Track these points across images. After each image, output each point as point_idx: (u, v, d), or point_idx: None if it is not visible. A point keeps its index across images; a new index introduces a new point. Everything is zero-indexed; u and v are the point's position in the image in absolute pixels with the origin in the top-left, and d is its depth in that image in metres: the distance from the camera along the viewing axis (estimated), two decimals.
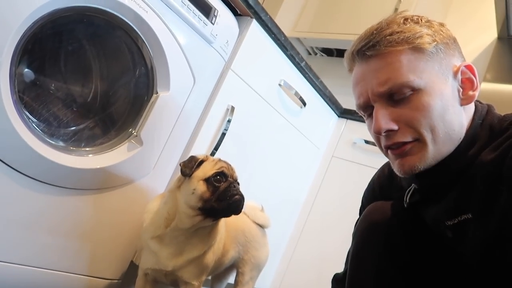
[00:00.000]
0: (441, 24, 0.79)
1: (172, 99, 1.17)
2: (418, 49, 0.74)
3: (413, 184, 0.87)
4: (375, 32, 0.76)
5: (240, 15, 1.36)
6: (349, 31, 2.43)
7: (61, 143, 1.04)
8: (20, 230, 0.97)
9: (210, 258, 1.10)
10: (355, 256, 0.96)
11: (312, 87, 1.75)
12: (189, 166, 1.02)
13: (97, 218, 1.11)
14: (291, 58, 1.58)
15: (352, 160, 1.90)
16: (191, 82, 1.21)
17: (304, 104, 1.70)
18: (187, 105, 1.22)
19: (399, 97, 0.74)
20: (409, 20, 0.76)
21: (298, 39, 2.71)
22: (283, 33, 1.49)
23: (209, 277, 1.42)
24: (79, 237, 1.09)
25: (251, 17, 1.36)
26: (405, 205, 0.89)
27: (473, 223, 0.74)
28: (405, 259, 0.87)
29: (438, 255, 0.85)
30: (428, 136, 0.74)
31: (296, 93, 1.64)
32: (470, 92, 0.77)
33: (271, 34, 1.45)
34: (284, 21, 2.56)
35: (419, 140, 0.75)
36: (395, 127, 0.75)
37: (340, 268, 1.13)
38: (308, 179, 1.95)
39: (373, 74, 0.76)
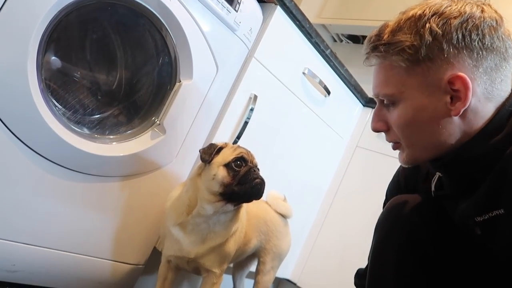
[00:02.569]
0: (450, 21, 0.71)
1: (195, 87, 1.16)
2: (397, 65, 0.75)
3: (437, 173, 0.85)
4: (372, 39, 0.78)
5: (264, 1, 1.33)
6: (376, 17, 2.36)
7: (86, 131, 1.06)
8: (45, 214, 1.00)
9: (232, 246, 1.11)
10: (377, 250, 0.95)
11: (337, 75, 1.71)
12: (209, 152, 1.02)
13: (120, 205, 1.13)
14: (316, 45, 1.54)
15: (377, 151, 1.86)
16: (214, 70, 1.21)
17: (329, 92, 1.67)
18: (209, 93, 1.22)
19: (387, 103, 0.80)
20: (402, 27, 0.74)
21: (323, 25, 2.66)
22: (307, 20, 1.46)
23: (231, 265, 1.43)
24: (104, 223, 1.11)
25: (275, 4, 1.33)
26: (432, 194, 0.87)
27: (506, 219, 0.71)
28: (428, 254, 0.85)
29: (463, 251, 0.83)
30: (404, 143, 0.80)
31: (321, 82, 1.61)
32: (458, 104, 0.72)
33: (296, 21, 1.42)
34: (309, 7, 2.51)
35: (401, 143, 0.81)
36: (383, 128, 0.82)
37: (361, 259, 1.12)
38: (331, 169, 1.93)
39: (374, 77, 0.82)
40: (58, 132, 0.92)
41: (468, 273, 0.82)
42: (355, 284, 1.11)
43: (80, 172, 1.01)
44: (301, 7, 1.45)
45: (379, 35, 0.77)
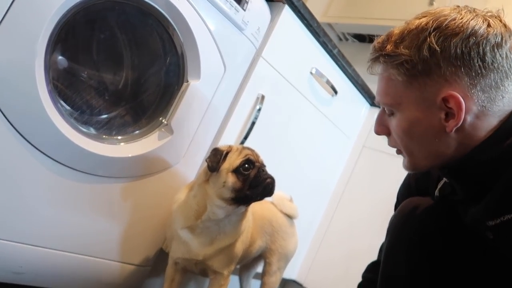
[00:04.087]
0: (451, 37, 0.70)
1: (203, 87, 1.15)
2: (396, 78, 0.76)
3: (444, 178, 0.85)
4: (375, 47, 0.79)
5: (272, 0, 1.32)
6: (382, 16, 2.34)
7: (93, 131, 1.05)
8: (52, 215, 0.99)
9: (239, 247, 1.10)
10: (388, 252, 0.94)
11: (344, 75, 1.70)
12: (215, 160, 1.01)
13: (127, 206, 1.12)
14: (324, 45, 1.53)
15: (384, 151, 1.84)
16: (222, 70, 1.19)
17: (336, 92, 1.66)
18: (217, 93, 1.20)
19: (388, 111, 0.81)
20: (405, 38, 0.74)
21: (329, 24, 2.64)
22: (315, 19, 1.45)
23: (238, 266, 1.43)
24: (110, 224, 1.11)
25: (283, 3, 1.32)
26: (435, 198, 0.88)
27: None
28: (440, 256, 0.84)
29: (475, 253, 0.82)
30: (405, 151, 0.81)
31: (328, 81, 1.60)
32: (451, 122, 0.72)
33: (304, 20, 1.41)
34: (315, 6, 2.49)
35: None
36: (384, 132, 0.84)
37: (368, 260, 1.11)
38: (338, 169, 1.92)
39: (377, 84, 0.83)
40: (65, 132, 0.92)
41: (480, 276, 0.80)
42: (362, 275, 1.11)
43: (87, 173, 1.01)
44: (307, 6, 1.44)
45: (382, 44, 0.77)
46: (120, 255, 1.15)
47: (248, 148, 1.06)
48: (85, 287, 1.13)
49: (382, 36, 0.79)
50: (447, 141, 0.74)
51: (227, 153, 1.02)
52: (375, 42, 0.79)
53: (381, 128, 0.84)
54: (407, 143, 0.79)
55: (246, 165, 1.00)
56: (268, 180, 1.01)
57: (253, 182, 0.99)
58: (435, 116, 0.73)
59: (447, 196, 0.87)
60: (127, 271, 1.18)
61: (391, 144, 0.85)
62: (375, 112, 1.94)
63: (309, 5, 2.21)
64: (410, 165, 0.82)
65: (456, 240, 0.84)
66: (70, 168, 0.97)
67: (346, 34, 2.73)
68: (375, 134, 0.86)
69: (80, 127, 1.00)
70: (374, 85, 2.02)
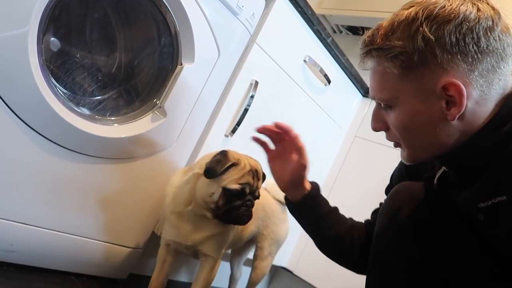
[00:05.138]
0: (444, 24, 0.69)
1: (197, 71, 1.15)
2: (391, 71, 0.75)
3: (443, 167, 0.84)
4: (365, 42, 0.78)
5: None
6: (376, 8, 2.34)
7: (87, 112, 1.05)
8: (44, 194, 0.99)
9: (229, 232, 1.11)
10: (380, 236, 0.95)
11: (337, 64, 1.71)
12: (216, 169, 0.96)
13: (119, 187, 1.12)
14: (317, 33, 1.54)
15: (375, 141, 1.86)
16: (216, 54, 1.20)
17: (329, 81, 1.66)
18: (211, 77, 1.21)
19: (384, 106, 0.80)
20: (395, 30, 0.73)
21: (323, 16, 2.64)
22: (310, 7, 1.45)
23: (229, 251, 1.44)
24: (102, 205, 1.11)
25: None
26: (434, 188, 0.87)
27: (508, 205, 0.71)
28: (432, 240, 0.85)
29: (467, 239, 0.83)
30: (404, 144, 0.81)
31: (321, 70, 1.61)
32: (453, 110, 0.72)
33: (298, 7, 1.41)
34: None
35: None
36: (382, 128, 0.83)
37: None
38: (329, 158, 1.93)
39: (370, 80, 0.82)
40: (57, 109, 0.91)
41: (472, 261, 0.82)
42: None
43: (80, 153, 1.00)
44: None
45: (373, 38, 0.76)
46: (112, 236, 1.15)
47: (254, 170, 1.01)
48: (77, 268, 1.13)
49: (371, 30, 0.78)
50: (448, 130, 0.74)
51: (231, 166, 0.98)
52: (364, 36, 0.78)
53: (379, 124, 0.83)
54: (407, 136, 0.79)
55: (238, 193, 0.98)
56: (244, 218, 1.00)
57: (230, 211, 0.98)
58: (435, 106, 0.73)
59: (438, 185, 0.88)
60: (118, 252, 1.18)
61: (390, 138, 0.84)
62: (368, 103, 1.96)
63: None
64: (409, 157, 0.82)
65: (448, 224, 0.85)
66: (62, 146, 0.96)
67: (340, 26, 2.73)
68: (373, 131, 0.85)
69: (73, 107, 0.99)
70: (366, 77, 2.02)
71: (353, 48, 2.84)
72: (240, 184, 0.98)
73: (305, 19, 1.46)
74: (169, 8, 1.06)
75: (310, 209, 1.08)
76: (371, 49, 0.76)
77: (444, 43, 0.69)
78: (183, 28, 1.10)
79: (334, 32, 2.79)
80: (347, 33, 2.76)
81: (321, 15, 2.61)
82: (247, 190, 0.99)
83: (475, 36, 0.69)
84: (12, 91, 0.86)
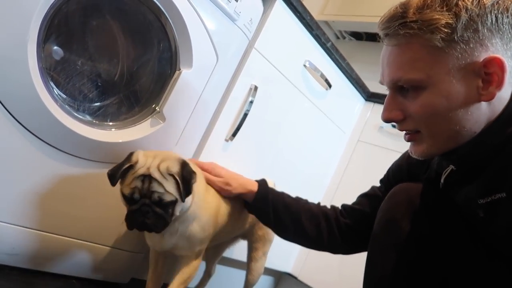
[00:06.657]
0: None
1: (195, 76, 1.17)
2: (429, 46, 0.70)
3: (450, 166, 0.83)
4: (391, 19, 0.73)
5: None
6: (379, 13, 2.32)
7: (87, 117, 1.07)
8: (45, 198, 1.01)
9: (198, 230, 1.04)
10: (377, 237, 0.95)
11: (338, 68, 1.71)
12: (115, 175, 0.92)
13: (117, 192, 1.13)
14: (317, 38, 1.55)
15: (379, 145, 1.86)
16: (214, 60, 1.21)
17: (330, 86, 1.67)
18: (209, 83, 1.22)
19: (407, 89, 0.75)
20: (430, 4, 0.69)
21: (326, 22, 2.66)
22: (308, 12, 1.46)
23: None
24: (102, 209, 1.12)
25: None
26: (440, 186, 0.87)
27: (507, 202, 0.71)
28: (430, 241, 0.85)
29: (466, 239, 0.82)
30: (427, 133, 0.76)
31: (322, 75, 1.61)
32: (491, 89, 0.70)
33: (296, 13, 1.42)
34: (312, 4, 2.52)
35: (421, 132, 0.77)
36: (399, 117, 0.77)
37: (363, 254, 1.10)
38: (332, 163, 1.93)
39: (389, 62, 0.76)
40: (56, 114, 0.93)
41: (471, 260, 0.81)
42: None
43: (79, 157, 1.02)
44: (304, 3, 1.45)
45: (404, 11, 0.71)
46: (113, 240, 1.16)
47: (147, 173, 0.91)
48: (78, 271, 1.14)
49: (396, 5, 0.73)
50: (477, 115, 0.72)
51: (129, 168, 0.92)
52: (391, 13, 0.73)
53: (396, 113, 0.77)
54: (433, 122, 0.74)
55: (130, 198, 0.93)
56: (145, 221, 0.92)
57: (130, 216, 0.93)
58: (471, 86, 0.70)
59: (439, 178, 0.87)
60: (120, 257, 1.19)
61: (406, 127, 0.78)
62: (370, 107, 1.96)
63: (306, 2, 2.23)
64: (427, 150, 0.77)
65: (447, 226, 0.84)
66: (61, 151, 0.98)
67: (343, 32, 2.75)
68: (384, 122, 0.81)
69: (72, 111, 1.01)
70: (368, 81, 2.02)
71: (357, 54, 2.86)
72: (131, 188, 0.92)
73: (304, 24, 1.47)
74: (167, 15, 1.08)
75: (262, 211, 1.13)
76: (407, 22, 0.70)
77: (486, 19, 0.68)
78: (181, 34, 1.11)
79: (338, 38, 2.80)
80: (351, 39, 2.77)
81: (324, 21, 2.63)
82: (136, 195, 0.92)
83: (510, 15, 0.69)
84: (11, 96, 0.88)
